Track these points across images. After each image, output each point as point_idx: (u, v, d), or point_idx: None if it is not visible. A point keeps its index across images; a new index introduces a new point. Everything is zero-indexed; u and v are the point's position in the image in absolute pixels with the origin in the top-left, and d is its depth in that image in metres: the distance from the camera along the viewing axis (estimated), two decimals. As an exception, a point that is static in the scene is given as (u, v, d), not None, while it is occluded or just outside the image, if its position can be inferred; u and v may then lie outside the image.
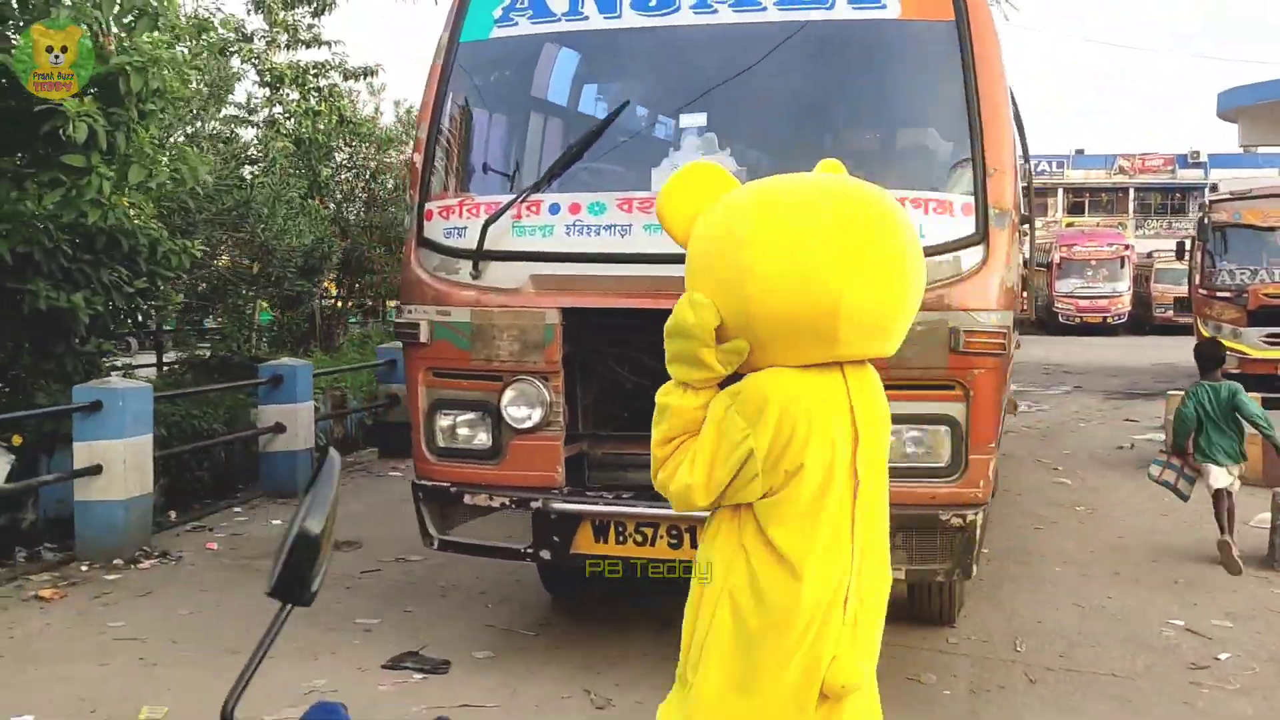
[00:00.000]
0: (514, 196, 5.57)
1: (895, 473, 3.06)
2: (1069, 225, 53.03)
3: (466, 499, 5.57)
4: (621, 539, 5.37)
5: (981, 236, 5.07)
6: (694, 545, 4.98)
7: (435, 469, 5.71)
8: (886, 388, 2.80)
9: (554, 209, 5.53)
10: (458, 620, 6.50)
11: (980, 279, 5.03)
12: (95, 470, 7.74)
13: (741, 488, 2.61)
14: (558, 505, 5.38)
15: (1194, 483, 7.95)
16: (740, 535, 2.66)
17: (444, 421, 5.70)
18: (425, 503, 5.71)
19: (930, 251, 3.64)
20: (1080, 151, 60.36)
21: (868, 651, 2.70)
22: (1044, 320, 37.40)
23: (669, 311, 2.66)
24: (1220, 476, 7.74)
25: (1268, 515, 7.97)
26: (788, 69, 5.62)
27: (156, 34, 7.34)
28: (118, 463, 7.80)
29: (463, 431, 5.67)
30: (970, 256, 5.06)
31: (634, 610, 6.55)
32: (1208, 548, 7.83)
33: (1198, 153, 56.98)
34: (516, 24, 5.81)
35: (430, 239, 5.76)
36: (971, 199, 5.11)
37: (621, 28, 5.67)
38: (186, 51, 10.38)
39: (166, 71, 6.87)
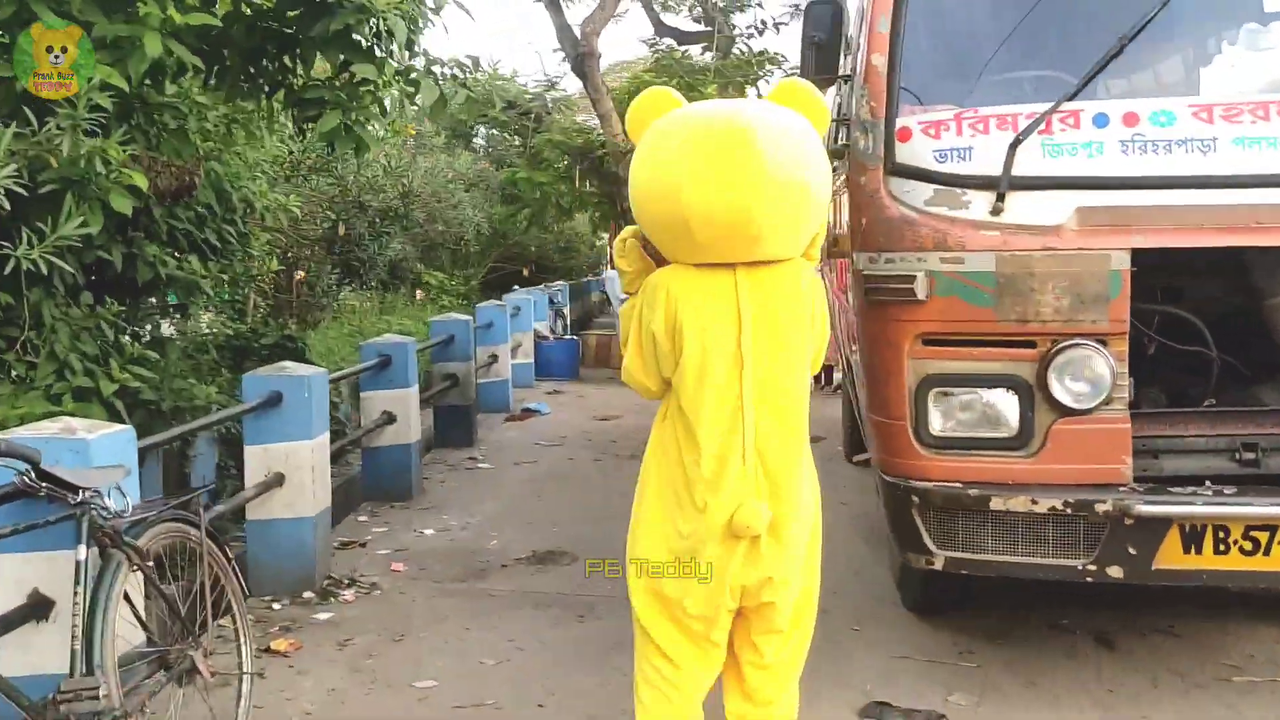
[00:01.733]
0: (1048, 106, 4.25)
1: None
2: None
3: (995, 503, 4.23)
4: (1223, 548, 4.15)
5: None
6: None
7: (933, 465, 4.36)
8: None
9: (1100, 120, 4.24)
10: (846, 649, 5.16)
11: None
12: (277, 481, 6.03)
13: (663, 362, 3.32)
14: (1141, 507, 4.10)
15: None
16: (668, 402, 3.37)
17: (947, 403, 4.35)
18: (921, 510, 4.35)
19: None
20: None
21: (781, 499, 3.29)
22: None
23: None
24: None
25: None
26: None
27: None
28: (304, 470, 6.10)
29: (976, 415, 4.34)
30: None
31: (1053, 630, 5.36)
32: None
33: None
34: None
35: (910, 164, 4.38)
36: None
37: None
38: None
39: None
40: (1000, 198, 4.20)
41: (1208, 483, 4.20)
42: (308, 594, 6.06)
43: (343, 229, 10.11)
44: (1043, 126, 4.23)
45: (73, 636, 3.50)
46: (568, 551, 6.91)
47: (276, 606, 5.91)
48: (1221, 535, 4.12)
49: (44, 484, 3.49)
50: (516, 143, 20.07)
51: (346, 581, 6.34)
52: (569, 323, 18.98)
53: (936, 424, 4.35)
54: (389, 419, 8.27)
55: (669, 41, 19.01)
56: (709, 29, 18.55)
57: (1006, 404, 4.28)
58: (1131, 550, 4.16)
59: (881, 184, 4.40)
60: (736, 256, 3.23)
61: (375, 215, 10.94)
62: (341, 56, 4.95)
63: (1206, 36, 4.65)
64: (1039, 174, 4.22)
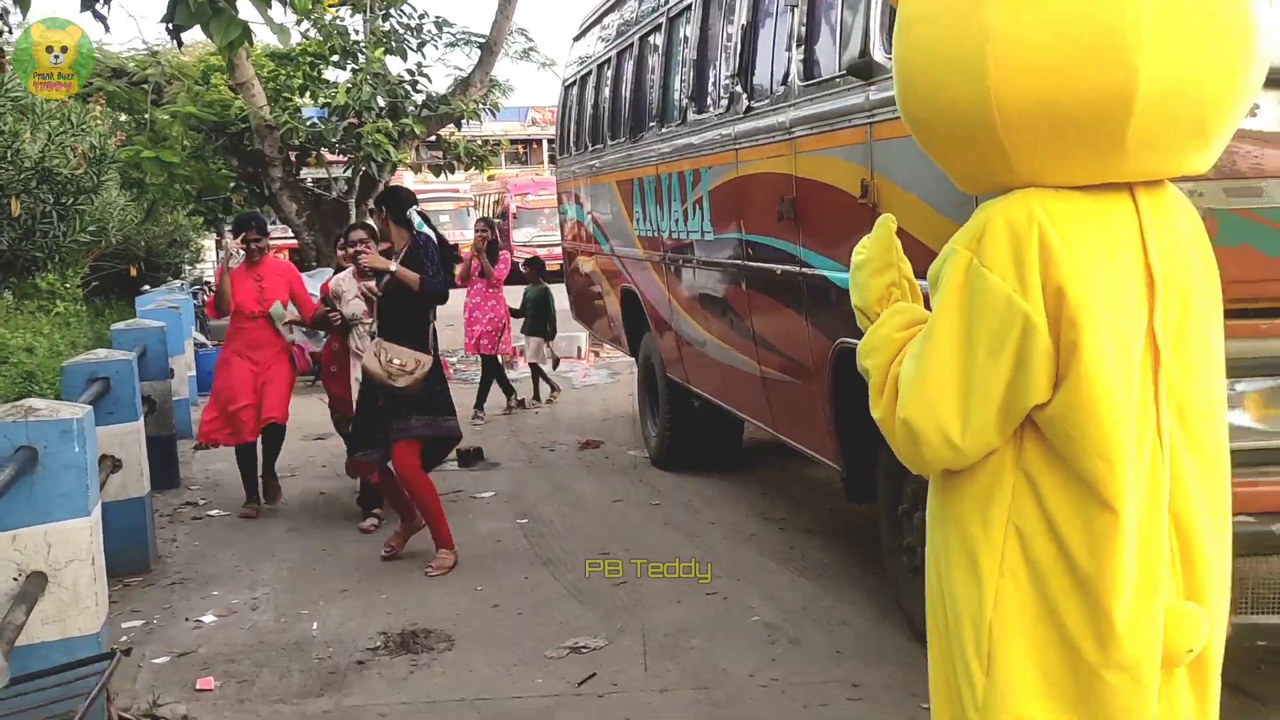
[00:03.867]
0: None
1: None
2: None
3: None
4: None
5: None
6: None
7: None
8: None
9: None
10: None
11: None
12: (37, 588, 3.84)
13: (1029, 388, 1.80)
14: None
15: None
16: (1019, 460, 1.87)
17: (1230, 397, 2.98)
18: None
19: None
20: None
21: (1206, 592, 1.90)
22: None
23: None
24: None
25: None
26: None
27: None
28: (79, 561, 3.93)
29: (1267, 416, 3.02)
30: None
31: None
32: None
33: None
34: None
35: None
36: None
37: None
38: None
39: None
40: (1311, 98, 2.88)
41: None
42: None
43: (16, 206, 7.40)
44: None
45: None
46: (435, 629, 5.03)
47: None
48: None
49: None
50: (123, 118, 17.00)
51: (143, 725, 4.19)
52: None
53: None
54: (114, 465, 5.98)
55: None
56: (353, -12, 16.43)
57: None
58: None
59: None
60: (1168, 168, 1.89)
61: (62, 189, 8.20)
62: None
63: None
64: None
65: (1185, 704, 1.93)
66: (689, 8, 6.71)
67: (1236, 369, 2.83)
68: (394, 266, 5.96)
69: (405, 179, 28.30)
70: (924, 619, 4.20)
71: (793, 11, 4.97)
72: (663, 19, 7.29)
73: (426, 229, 6.17)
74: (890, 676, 4.30)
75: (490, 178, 57.52)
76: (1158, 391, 1.85)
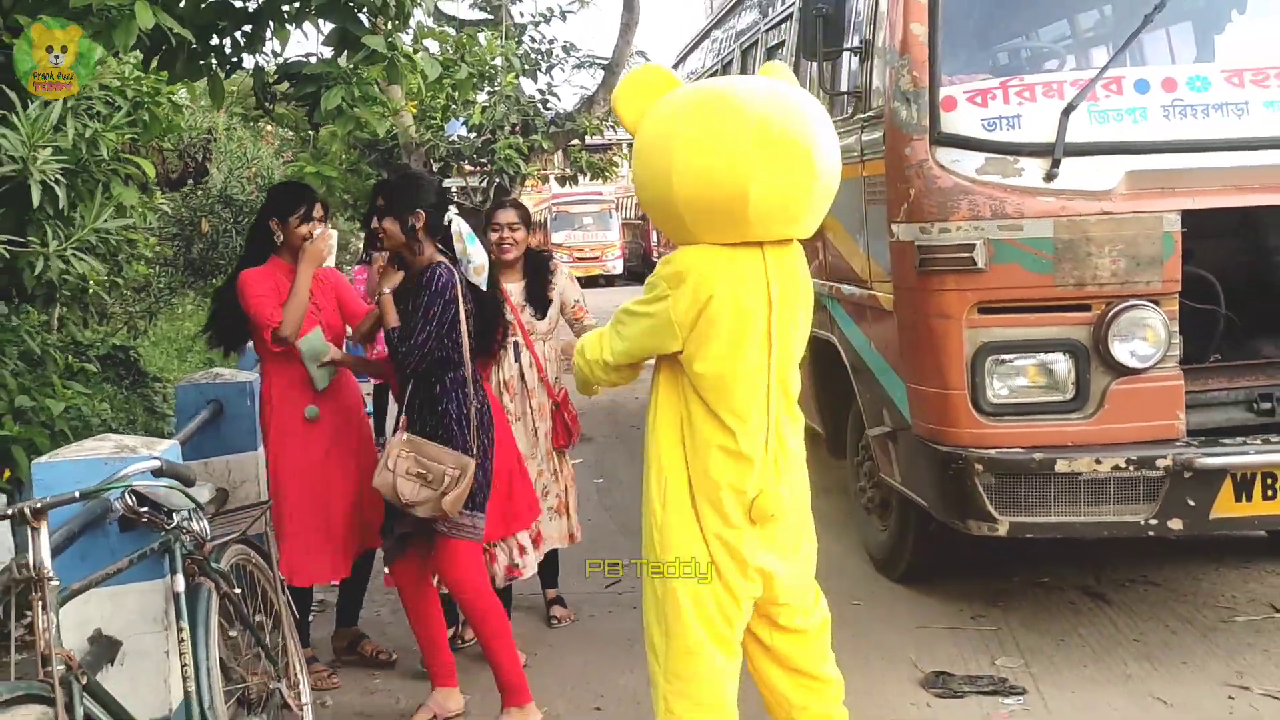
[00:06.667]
0: (1095, 73, 4.35)
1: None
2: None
3: (1060, 465, 4.29)
4: (1270, 494, 4.35)
5: None
6: None
7: (992, 433, 4.38)
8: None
9: (1141, 87, 4.36)
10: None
11: None
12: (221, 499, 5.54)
13: (662, 345, 3.18)
14: (1202, 460, 4.25)
15: None
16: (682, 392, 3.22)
17: (1005, 370, 4.39)
18: (984, 477, 4.37)
19: None
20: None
21: (794, 482, 3.27)
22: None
23: None
24: None
25: None
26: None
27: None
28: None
29: (1034, 381, 4.40)
30: None
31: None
32: None
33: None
34: None
35: (957, 134, 4.38)
36: None
37: None
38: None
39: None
40: (1055, 164, 4.26)
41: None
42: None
43: (205, 225, 9.35)
44: (1088, 93, 4.30)
45: (184, 678, 3.12)
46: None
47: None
48: (1269, 482, 4.31)
49: (144, 509, 3.08)
50: (288, 135, 19.14)
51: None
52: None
53: (994, 391, 4.38)
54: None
55: (449, 31, 18.58)
56: (491, 17, 18.25)
57: (1064, 367, 4.35)
58: (1191, 502, 4.29)
59: (929, 154, 4.39)
60: (772, 234, 3.13)
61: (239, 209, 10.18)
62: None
63: (1221, 5, 4.86)
64: (1089, 139, 4.30)
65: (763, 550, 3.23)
66: (755, 44, 7.83)
67: (1007, 346, 4.29)
68: (386, 288, 4.13)
69: (551, 187, 29.77)
70: (876, 546, 5.76)
71: None
72: (735, 53, 8.48)
73: (470, 251, 4.13)
74: (836, 585, 5.70)
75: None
76: (769, 361, 3.15)
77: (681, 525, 3.22)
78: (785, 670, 3.40)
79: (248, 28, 4.94)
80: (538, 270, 5.01)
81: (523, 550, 4.89)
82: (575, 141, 17.96)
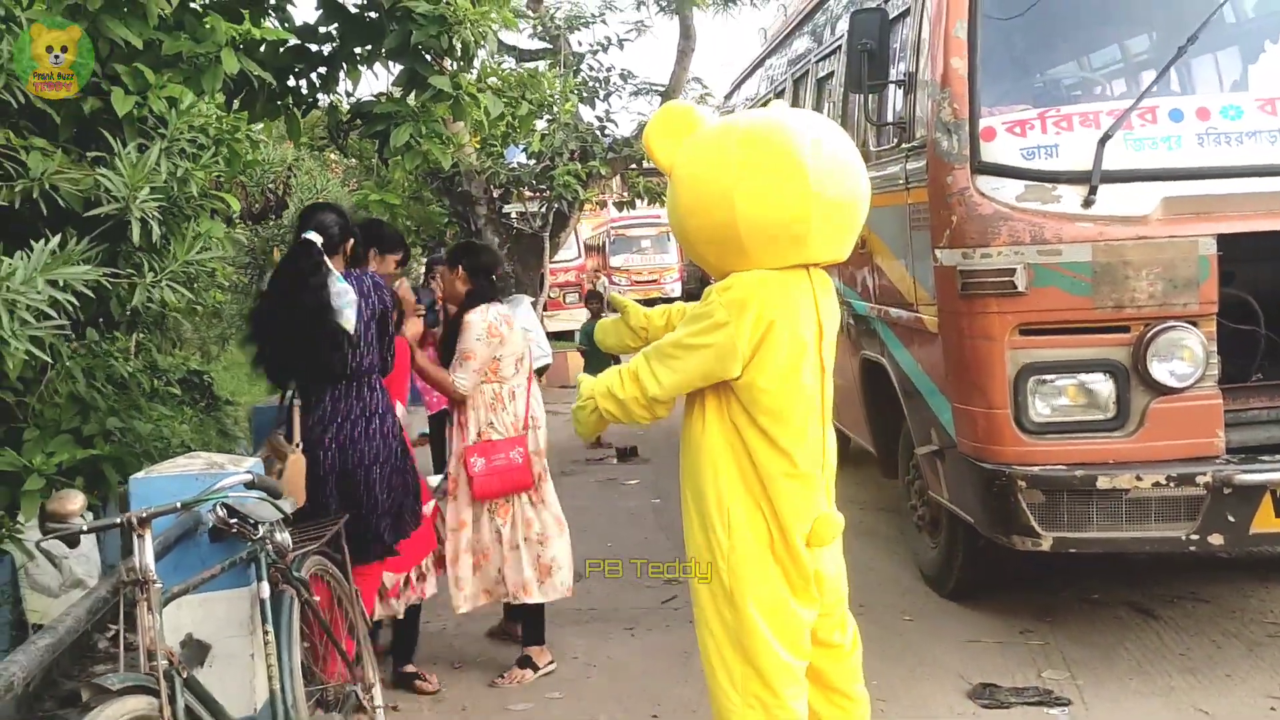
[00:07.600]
0: (1130, 104, 4.50)
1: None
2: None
3: (1102, 481, 4.44)
4: (1312, 508, 4.46)
5: None
6: None
7: (1036, 451, 4.54)
8: None
9: (1175, 115, 4.52)
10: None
11: None
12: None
13: (721, 371, 3.18)
14: (1241, 476, 4.38)
15: None
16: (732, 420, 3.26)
17: (1046, 390, 4.54)
18: (1028, 494, 4.52)
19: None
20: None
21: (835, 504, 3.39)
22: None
23: None
24: None
25: None
26: None
27: None
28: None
29: (1075, 400, 4.55)
30: None
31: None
32: None
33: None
34: None
35: (998, 162, 4.56)
36: None
37: None
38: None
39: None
40: (1093, 191, 4.43)
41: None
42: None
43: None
44: (1124, 123, 4.46)
45: (269, 678, 3.36)
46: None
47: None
48: (1312, 496, 4.43)
49: (234, 520, 3.33)
50: (352, 163, 19.58)
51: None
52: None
53: (1037, 410, 4.53)
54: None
55: (509, 61, 18.92)
56: (550, 46, 18.56)
57: (1105, 387, 4.50)
58: (1231, 518, 4.42)
59: (970, 182, 4.57)
60: (826, 256, 3.25)
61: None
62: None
63: (1259, 35, 5.00)
64: (1126, 167, 4.46)
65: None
66: (806, 74, 8.00)
67: (1049, 367, 4.45)
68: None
69: (610, 211, 30.01)
70: (927, 562, 5.91)
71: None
72: (788, 82, 8.64)
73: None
74: (889, 601, 5.86)
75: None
76: (822, 383, 3.26)
77: (751, 554, 3.26)
78: (821, 688, 3.46)
79: (323, 70, 5.23)
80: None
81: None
82: (633, 166, 18.20)
